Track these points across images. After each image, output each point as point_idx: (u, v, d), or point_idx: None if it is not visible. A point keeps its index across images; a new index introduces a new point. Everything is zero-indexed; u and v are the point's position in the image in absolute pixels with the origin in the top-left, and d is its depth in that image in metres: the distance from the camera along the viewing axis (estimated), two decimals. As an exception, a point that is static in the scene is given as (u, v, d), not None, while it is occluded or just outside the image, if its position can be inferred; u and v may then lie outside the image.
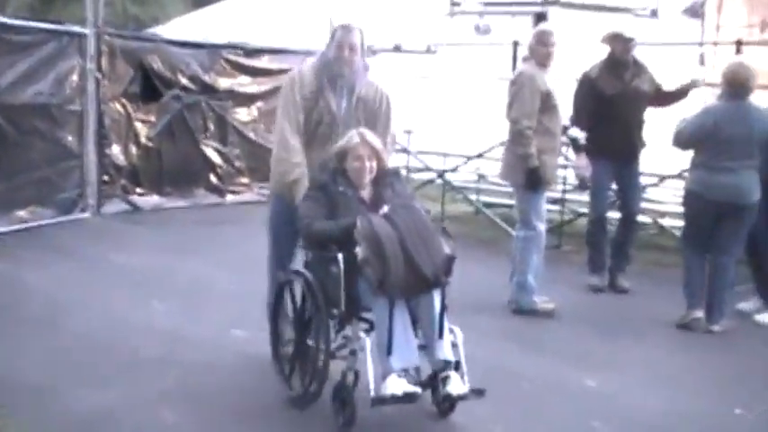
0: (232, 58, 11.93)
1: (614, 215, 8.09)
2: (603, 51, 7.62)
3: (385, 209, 4.64)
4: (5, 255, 8.28)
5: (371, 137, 4.89)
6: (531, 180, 6.74)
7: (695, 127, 6.60)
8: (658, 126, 7.59)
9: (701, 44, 11.87)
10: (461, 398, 4.39)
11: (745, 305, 7.16)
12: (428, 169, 11.15)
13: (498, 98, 7.21)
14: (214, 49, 11.88)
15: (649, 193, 9.43)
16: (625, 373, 5.67)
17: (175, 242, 9.33)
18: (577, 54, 8.45)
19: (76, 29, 10.13)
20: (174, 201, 11.32)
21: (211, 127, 11.74)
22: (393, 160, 5.52)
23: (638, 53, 7.69)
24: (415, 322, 4.49)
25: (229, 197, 11.90)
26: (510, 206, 9.86)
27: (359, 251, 4.33)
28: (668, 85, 7.64)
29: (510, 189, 8.44)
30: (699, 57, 11.37)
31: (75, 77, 10.08)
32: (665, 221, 9.48)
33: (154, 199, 11.16)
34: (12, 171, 9.40)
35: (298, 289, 4.95)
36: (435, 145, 11.25)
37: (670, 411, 5.06)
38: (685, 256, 6.83)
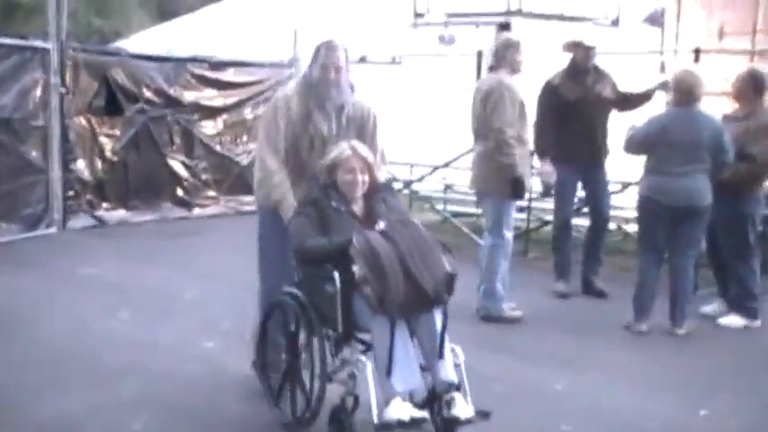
0: (197, 71, 11.90)
1: (580, 222, 8.15)
2: (566, 59, 7.71)
3: (381, 225, 4.47)
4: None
5: (363, 149, 4.74)
6: (515, 189, 6.77)
7: (644, 133, 6.73)
8: (621, 133, 7.67)
9: (661, 52, 12.00)
10: (468, 421, 4.12)
11: (708, 308, 7.27)
12: (395, 179, 11.18)
13: (463, 108, 7.24)
14: (179, 62, 11.85)
15: (613, 200, 9.51)
16: (593, 376, 5.74)
17: (141, 255, 9.32)
18: (540, 62, 8.50)
19: (39, 43, 10.08)
20: (140, 215, 11.28)
21: (177, 140, 11.72)
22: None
23: (601, 61, 7.79)
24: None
25: (196, 210, 11.90)
26: (476, 215, 9.89)
27: (356, 269, 4.13)
28: (632, 90, 7.72)
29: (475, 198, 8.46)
30: (659, 65, 11.48)
31: (38, 92, 10.06)
32: (630, 227, 9.55)
33: (120, 213, 11.12)
34: (-25, 186, 9.33)
35: (289, 310, 4.74)
36: (402, 155, 11.28)
37: (637, 413, 5.12)
38: (641, 262, 6.89)
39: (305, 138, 5.03)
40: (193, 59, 12.07)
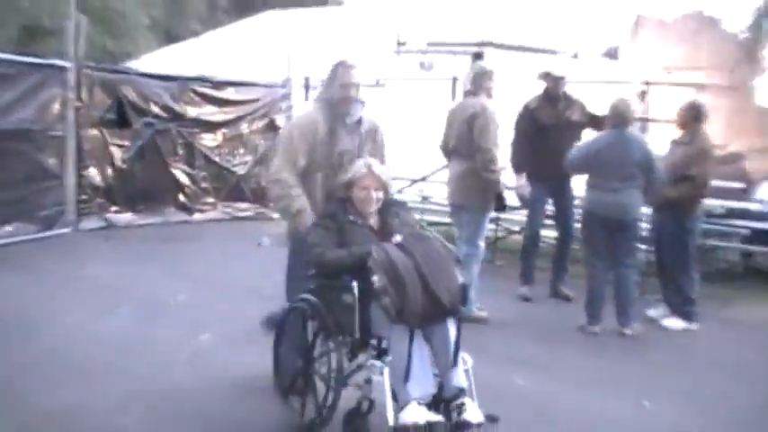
0: (199, 89, 11.98)
1: (548, 233, 8.28)
2: (533, 86, 7.86)
3: (398, 238, 4.36)
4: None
5: (378, 167, 4.62)
6: (498, 202, 6.90)
7: (581, 153, 6.91)
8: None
9: (616, 83, 12.19)
10: (479, 425, 3.97)
11: (653, 312, 7.38)
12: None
13: (439, 127, 7.32)
14: (183, 81, 11.92)
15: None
16: (550, 374, 5.79)
17: (143, 257, 9.32)
18: (509, 89, 8.66)
19: (58, 62, 10.16)
20: (145, 218, 11.33)
21: (180, 151, 11.79)
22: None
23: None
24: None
25: (196, 215, 11.94)
26: (449, 224, 10.03)
27: (375, 280, 4.00)
28: (600, 112, 7.80)
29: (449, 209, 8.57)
30: (614, 95, 11.66)
31: (56, 106, 10.13)
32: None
33: (127, 216, 11.16)
34: (-2, 190, 9.41)
35: (305, 316, 4.61)
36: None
37: (588, 406, 5.20)
38: (588, 271, 7.00)
39: (334, 155, 4.92)
40: (196, 79, 12.14)
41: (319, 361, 4.47)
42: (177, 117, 11.63)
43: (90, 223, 10.66)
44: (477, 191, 6.89)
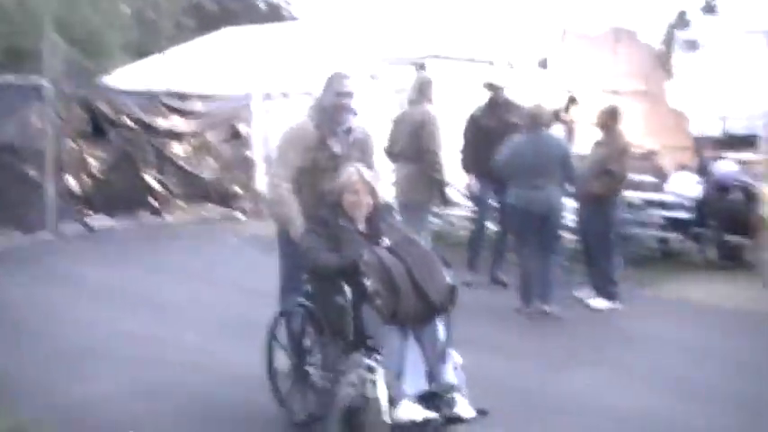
0: (168, 102, 12.00)
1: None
2: (472, 92, 8.02)
3: (387, 241, 4.24)
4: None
5: (368, 174, 4.44)
6: (444, 197, 7.07)
7: (503, 155, 7.03)
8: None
9: (547, 91, 12.41)
10: (470, 420, 3.83)
11: (580, 293, 7.50)
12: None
13: (385, 134, 7.36)
14: (153, 95, 11.95)
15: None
16: (491, 351, 5.75)
17: (122, 257, 9.33)
18: (451, 95, 8.82)
19: (37, 80, 10.17)
20: (121, 221, 11.30)
21: (152, 160, 11.77)
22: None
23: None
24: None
25: (168, 218, 11.91)
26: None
27: (368, 283, 3.87)
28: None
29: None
30: (547, 100, 11.86)
31: (36, 121, 10.14)
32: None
33: (105, 220, 11.13)
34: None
35: (297, 317, 4.47)
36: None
37: (515, 377, 5.31)
38: (519, 258, 7.15)
39: (322, 159, 4.79)
40: (165, 93, 12.17)
41: (313, 361, 4.35)
42: (148, 128, 11.61)
43: (70, 228, 10.61)
44: (423, 189, 7.05)
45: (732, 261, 9.06)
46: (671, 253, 9.52)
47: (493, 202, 8.09)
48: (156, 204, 11.86)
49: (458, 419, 3.81)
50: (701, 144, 12.78)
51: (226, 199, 12.71)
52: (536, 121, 6.92)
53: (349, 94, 4.78)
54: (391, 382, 3.84)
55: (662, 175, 10.34)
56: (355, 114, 4.91)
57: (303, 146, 4.76)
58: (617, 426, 4.69)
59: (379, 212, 4.48)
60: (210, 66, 16.34)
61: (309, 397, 4.32)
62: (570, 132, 10.28)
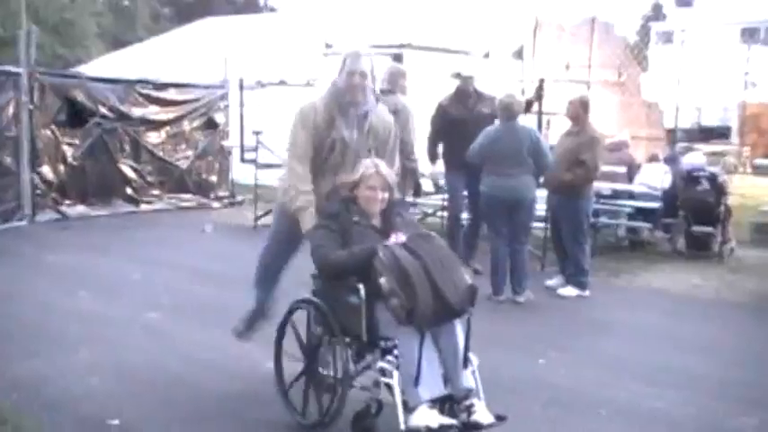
0: (144, 91, 12.01)
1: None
2: (447, 83, 8.06)
3: (402, 238, 3.95)
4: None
5: (385, 168, 4.21)
6: (416, 188, 7.08)
7: (477, 144, 7.09)
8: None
9: (521, 80, 12.54)
10: (490, 426, 3.63)
11: (551, 282, 7.62)
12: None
13: None
14: (129, 83, 11.94)
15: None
16: None
17: (97, 244, 9.33)
18: (427, 86, 8.85)
19: (12, 69, 10.14)
20: (96, 210, 11.30)
21: (127, 148, 11.80)
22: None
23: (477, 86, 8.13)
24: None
25: (143, 206, 11.94)
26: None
27: (383, 282, 3.64)
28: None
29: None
30: (521, 90, 11.97)
31: (11, 109, 10.11)
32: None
33: (80, 209, 11.13)
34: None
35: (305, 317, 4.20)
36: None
37: (489, 365, 5.25)
38: (491, 246, 7.17)
39: (327, 141, 4.45)
40: (140, 81, 12.16)
41: (324, 362, 4.10)
42: (123, 117, 11.62)
43: (45, 216, 10.62)
44: (405, 178, 7.09)
45: (699, 251, 9.23)
46: (640, 243, 9.68)
47: (464, 191, 8.15)
48: (131, 193, 11.88)
49: (476, 426, 3.62)
50: (674, 136, 12.97)
51: (201, 188, 12.77)
52: (509, 110, 6.98)
53: (363, 74, 4.41)
54: (406, 386, 3.63)
55: (632, 166, 10.49)
56: (377, 99, 4.62)
57: (310, 124, 4.44)
58: (573, 405, 4.76)
59: (393, 207, 4.27)
60: (188, 55, 16.32)
61: (319, 399, 4.08)
62: (540, 123, 10.37)
